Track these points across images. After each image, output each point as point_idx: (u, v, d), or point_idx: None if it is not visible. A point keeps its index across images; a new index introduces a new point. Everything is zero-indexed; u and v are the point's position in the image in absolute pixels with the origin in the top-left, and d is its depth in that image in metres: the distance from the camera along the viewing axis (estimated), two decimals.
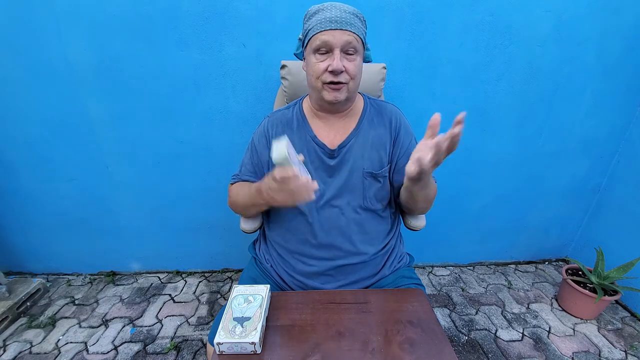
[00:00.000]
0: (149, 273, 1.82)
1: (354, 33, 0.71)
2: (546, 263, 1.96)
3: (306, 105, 0.89)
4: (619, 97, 1.50)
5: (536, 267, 1.92)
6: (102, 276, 1.78)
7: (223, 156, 1.50)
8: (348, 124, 0.86)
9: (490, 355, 1.34)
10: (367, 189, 0.83)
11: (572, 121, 1.54)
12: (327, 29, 0.70)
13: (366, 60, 0.83)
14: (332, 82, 0.74)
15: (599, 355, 1.34)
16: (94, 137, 1.44)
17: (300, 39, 0.80)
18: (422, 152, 0.58)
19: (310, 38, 0.73)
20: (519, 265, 1.93)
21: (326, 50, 0.72)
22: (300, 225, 0.84)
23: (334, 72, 0.72)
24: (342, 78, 0.74)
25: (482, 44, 1.34)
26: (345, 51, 0.72)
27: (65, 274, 1.79)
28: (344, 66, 0.72)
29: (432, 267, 1.91)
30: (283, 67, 1.08)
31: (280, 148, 0.59)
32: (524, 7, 1.28)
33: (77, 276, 1.78)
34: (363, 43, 0.75)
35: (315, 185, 0.65)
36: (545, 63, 1.40)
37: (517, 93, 1.45)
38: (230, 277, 1.80)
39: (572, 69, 1.42)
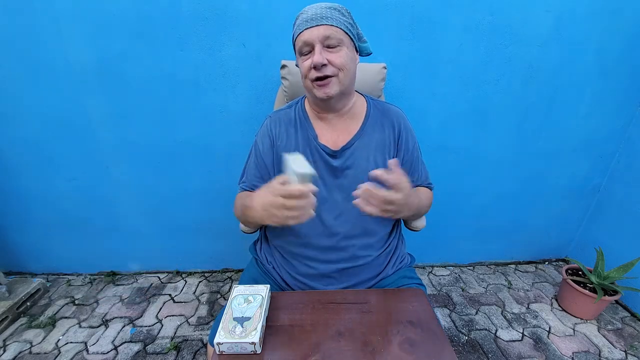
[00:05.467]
0: (149, 273, 1.82)
1: (332, 26, 0.71)
2: (546, 263, 1.97)
3: (308, 105, 0.88)
4: (619, 97, 1.50)
5: (536, 267, 1.92)
6: (102, 276, 1.78)
7: (223, 156, 1.50)
8: (351, 125, 0.85)
9: (490, 355, 1.34)
10: None
11: (572, 121, 1.54)
12: (305, 28, 0.71)
13: (365, 52, 0.81)
14: (318, 78, 0.74)
15: (599, 355, 1.34)
16: (94, 137, 1.44)
17: None
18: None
19: (294, 42, 0.75)
20: (519, 265, 1.93)
21: (309, 49, 0.73)
22: (302, 228, 0.82)
23: (316, 67, 0.72)
24: (328, 71, 0.73)
25: (482, 44, 1.34)
26: (327, 45, 0.72)
27: (65, 274, 1.79)
28: (326, 59, 0.71)
29: (432, 267, 1.91)
30: (283, 67, 1.08)
31: (305, 164, 0.59)
32: (524, 7, 1.28)
33: (77, 276, 1.78)
34: (349, 34, 0.74)
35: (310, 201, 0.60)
36: (545, 63, 1.40)
37: (516, 93, 1.45)
38: (230, 277, 1.80)
39: (572, 69, 1.42)
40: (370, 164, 0.83)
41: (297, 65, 0.84)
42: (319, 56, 0.71)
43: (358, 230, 0.82)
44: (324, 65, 0.72)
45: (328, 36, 0.71)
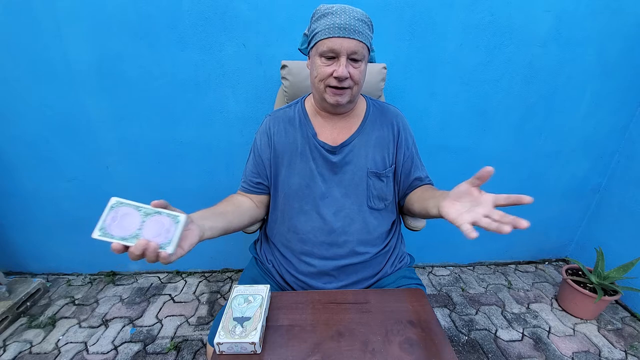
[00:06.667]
0: (149, 273, 1.82)
1: (361, 41, 0.71)
2: (546, 263, 1.97)
3: (308, 104, 0.89)
4: (619, 97, 1.50)
5: (536, 267, 1.92)
6: (102, 276, 1.78)
7: (223, 156, 1.50)
8: (350, 123, 0.86)
9: (490, 355, 1.34)
10: (371, 189, 0.84)
11: (572, 121, 1.54)
12: (335, 36, 0.70)
13: (370, 61, 0.82)
14: (335, 87, 0.75)
15: (599, 355, 1.34)
16: (94, 137, 1.44)
17: (305, 35, 0.80)
18: (475, 215, 0.54)
19: (317, 42, 0.73)
20: (519, 265, 1.93)
21: (333, 56, 0.72)
22: (301, 225, 0.84)
23: (338, 79, 0.73)
24: (346, 83, 0.74)
25: (482, 44, 1.34)
26: (351, 58, 0.72)
27: (65, 274, 1.79)
28: (348, 72, 0.72)
29: (432, 267, 1.91)
30: (283, 67, 1.08)
31: (95, 231, 0.49)
32: (524, 7, 1.28)
33: (77, 276, 1.78)
34: (369, 49, 0.75)
35: (163, 250, 0.50)
36: (545, 63, 1.40)
37: (517, 93, 1.45)
38: (230, 277, 1.80)
39: (572, 69, 1.42)
40: (369, 161, 0.84)
41: (302, 51, 0.84)
42: (344, 69, 0.71)
43: (356, 225, 0.83)
44: (346, 78, 0.73)
45: (356, 52, 0.71)
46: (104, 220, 0.51)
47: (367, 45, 0.73)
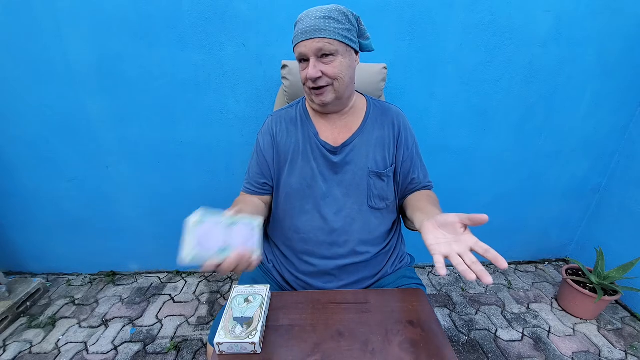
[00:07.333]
0: (149, 273, 1.82)
1: (325, 38, 0.72)
2: (546, 263, 1.97)
3: (309, 103, 0.89)
4: (619, 97, 1.50)
5: (536, 267, 1.92)
6: (102, 276, 1.78)
7: (223, 156, 1.50)
8: (351, 123, 0.86)
9: (490, 355, 1.34)
10: (372, 188, 0.84)
11: (572, 121, 1.54)
12: (300, 40, 0.73)
13: (367, 49, 0.82)
14: (314, 88, 0.77)
15: (599, 355, 1.34)
16: (94, 137, 1.44)
17: None
18: (448, 249, 0.57)
19: (294, 49, 0.77)
20: (519, 265, 1.93)
21: (304, 58, 0.75)
22: (303, 225, 0.84)
23: (311, 79, 0.75)
24: (323, 82, 0.75)
25: (482, 44, 1.34)
26: (321, 55, 0.73)
27: (65, 274, 1.79)
28: (320, 70, 0.74)
29: (432, 267, 1.91)
30: (284, 67, 1.08)
31: (191, 245, 0.51)
32: (524, 7, 1.28)
33: (77, 276, 1.78)
34: (344, 42, 0.73)
35: (254, 255, 0.55)
36: (545, 63, 1.40)
37: (517, 93, 1.45)
38: (230, 277, 1.80)
39: (572, 69, 1.42)
40: (370, 161, 0.84)
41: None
42: (313, 70, 0.73)
43: (357, 225, 0.83)
44: (319, 77, 0.74)
45: (321, 49, 0.72)
46: (192, 246, 0.51)
47: (336, 40, 0.72)
